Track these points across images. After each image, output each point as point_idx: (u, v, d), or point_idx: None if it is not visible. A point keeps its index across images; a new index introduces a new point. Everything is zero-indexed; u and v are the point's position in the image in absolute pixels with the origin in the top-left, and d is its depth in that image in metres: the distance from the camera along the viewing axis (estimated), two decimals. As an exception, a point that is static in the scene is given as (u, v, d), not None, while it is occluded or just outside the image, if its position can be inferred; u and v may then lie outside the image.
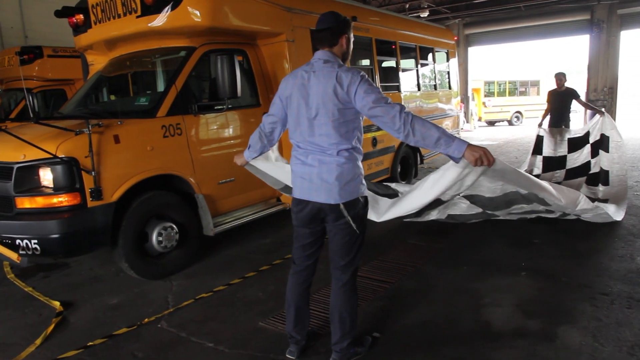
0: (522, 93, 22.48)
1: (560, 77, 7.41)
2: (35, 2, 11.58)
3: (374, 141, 6.23)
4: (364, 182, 2.37)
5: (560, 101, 7.51)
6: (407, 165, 7.25)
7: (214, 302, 3.51)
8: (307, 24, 5.19)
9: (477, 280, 3.64)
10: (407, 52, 7.30)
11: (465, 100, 19.76)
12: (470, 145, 2.09)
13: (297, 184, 2.39)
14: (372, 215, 3.18)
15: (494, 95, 21.75)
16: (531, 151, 7.08)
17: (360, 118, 2.30)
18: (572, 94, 7.46)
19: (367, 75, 2.23)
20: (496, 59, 30.45)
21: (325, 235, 2.49)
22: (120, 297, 3.69)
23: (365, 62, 6.48)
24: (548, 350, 2.65)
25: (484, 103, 21.35)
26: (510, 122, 21.56)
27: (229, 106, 4.36)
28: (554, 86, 7.76)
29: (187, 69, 4.23)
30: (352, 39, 2.41)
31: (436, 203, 3.62)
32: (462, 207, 3.82)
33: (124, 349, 2.88)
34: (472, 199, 3.79)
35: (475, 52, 20.44)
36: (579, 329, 2.86)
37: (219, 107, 4.34)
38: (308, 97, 2.27)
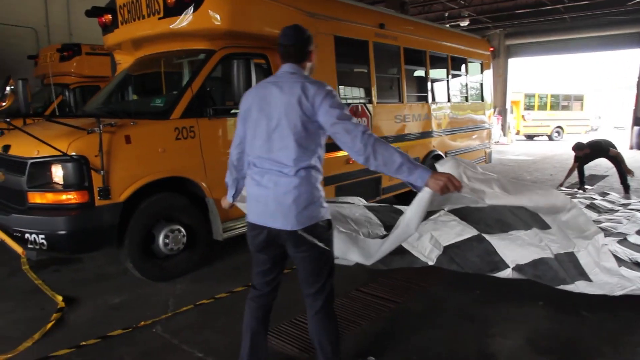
0: (565, 107, 21.63)
1: (581, 150, 7.34)
2: (80, 1, 12.00)
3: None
4: (324, 204, 2.17)
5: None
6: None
7: (214, 310, 3.45)
8: (331, 30, 5.12)
9: (488, 306, 3.43)
10: (437, 62, 7.09)
11: (503, 112, 19.21)
12: (434, 174, 1.99)
13: (251, 208, 2.21)
14: (358, 258, 2.99)
15: (534, 109, 21.02)
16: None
17: (323, 136, 2.14)
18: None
19: (334, 91, 2.11)
20: (537, 71, 29.51)
21: (287, 259, 2.33)
22: (123, 297, 3.69)
23: (392, 71, 6.32)
24: (555, 392, 2.44)
25: (523, 116, 20.67)
26: (550, 137, 20.81)
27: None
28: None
29: (204, 71, 4.22)
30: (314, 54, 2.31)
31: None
32: (455, 230, 3.24)
33: (115, 351, 2.86)
34: (459, 213, 3.33)
35: (516, 64, 19.86)
36: (594, 371, 2.63)
37: (235, 111, 4.30)
38: (269, 108, 2.11)
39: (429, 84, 6.84)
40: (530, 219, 3.14)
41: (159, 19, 4.36)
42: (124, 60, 5.44)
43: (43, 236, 3.46)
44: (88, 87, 8.88)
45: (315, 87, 2.06)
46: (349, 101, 5.53)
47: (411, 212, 2.45)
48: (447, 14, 16.58)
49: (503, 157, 13.82)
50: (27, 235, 3.52)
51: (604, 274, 3.03)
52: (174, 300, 3.61)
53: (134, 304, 3.56)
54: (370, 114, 5.50)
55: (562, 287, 3.06)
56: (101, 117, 3.69)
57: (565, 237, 3.09)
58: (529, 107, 21.02)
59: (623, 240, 4.33)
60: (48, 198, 3.54)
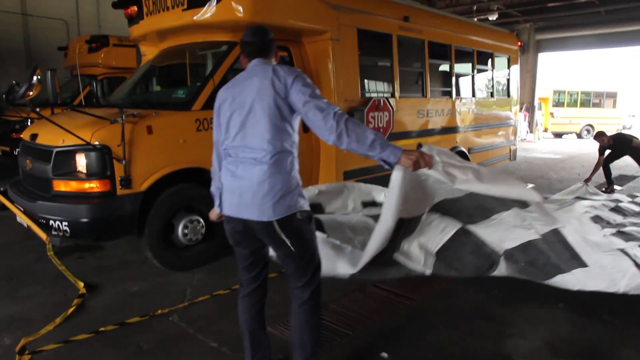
0: (596, 105, 20.94)
1: (601, 138, 7.30)
2: (109, -7, 12.22)
3: (419, 147, 5.97)
4: (303, 194, 2.12)
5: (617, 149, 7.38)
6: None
7: (229, 301, 3.46)
8: (355, 23, 5.06)
9: (506, 306, 3.36)
10: (463, 56, 6.96)
11: (530, 109, 18.76)
12: (406, 150, 2.03)
13: (227, 200, 2.14)
14: (345, 269, 2.78)
15: (564, 106, 20.44)
16: None
17: (296, 120, 2.11)
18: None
19: (306, 75, 2.11)
20: (568, 67, 28.66)
21: (268, 252, 2.32)
22: (142, 285, 3.76)
23: (416, 65, 6.23)
24: (572, 398, 2.38)
25: (551, 113, 20.14)
26: (579, 135, 20.21)
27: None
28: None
29: (226, 63, 4.24)
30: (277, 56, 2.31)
31: (405, 230, 2.92)
32: (439, 228, 2.94)
33: (132, 338, 2.92)
34: (439, 208, 3.05)
35: (546, 59, 19.34)
36: (613, 376, 2.56)
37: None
38: (242, 96, 2.09)
39: (454, 78, 6.72)
40: (508, 200, 3.02)
41: (183, 10, 4.39)
42: (149, 52, 5.51)
43: (66, 223, 3.55)
44: (115, 78, 9.04)
45: (286, 69, 2.07)
46: (372, 95, 5.47)
47: (389, 198, 2.43)
48: (475, 8, 16.24)
49: (529, 154, 13.51)
50: (51, 222, 3.61)
51: (595, 252, 2.84)
52: (191, 290, 3.66)
53: (152, 292, 3.62)
54: (393, 108, 5.44)
55: (560, 280, 2.77)
56: (124, 107, 3.76)
57: (546, 213, 3.01)
58: (558, 104, 20.45)
59: None
60: (72, 186, 3.62)
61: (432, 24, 6.27)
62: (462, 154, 6.85)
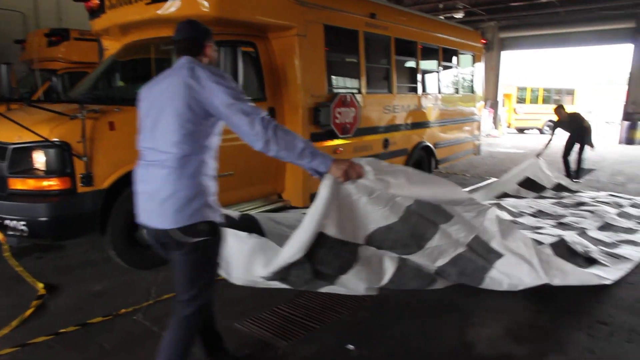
0: (557, 101, 21.67)
1: (560, 111, 8.15)
2: (70, -15, 11.82)
3: (386, 143, 6.06)
4: (211, 204, 1.97)
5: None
6: (421, 169, 7.04)
7: (196, 298, 3.44)
8: (321, 19, 5.07)
9: (470, 296, 3.44)
10: (429, 53, 7.07)
11: (494, 105, 19.23)
12: (336, 159, 1.99)
13: (138, 205, 2.01)
14: (259, 271, 2.69)
15: (526, 102, 21.07)
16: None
17: (215, 126, 1.97)
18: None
19: (230, 76, 2.00)
20: (531, 65, 29.56)
21: None
22: (105, 284, 3.68)
23: (383, 61, 6.29)
24: (530, 382, 2.48)
25: (514, 109, 20.73)
26: (541, 131, 20.88)
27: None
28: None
29: (191, 58, 4.17)
30: (215, 48, 2.18)
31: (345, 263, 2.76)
32: (380, 267, 2.90)
33: (94, 339, 2.85)
34: (374, 241, 2.89)
35: (509, 57, 19.86)
36: (568, 360, 2.67)
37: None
38: (157, 93, 1.98)
39: (420, 75, 6.82)
40: (435, 215, 3.01)
41: (146, 4, 4.31)
42: (112, 46, 5.38)
43: (24, 223, 3.43)
44: (76, 73, 8.75)
45: (208, 70, 1.93)
46: (338, 91, 5.50)
47: (314, 205, 2.37)
48: (441, 6, 16.50)
49: (493, 149, 13.87)
50: (7, 221, 3.48)
51: (506, 240, 3.15)
52: (156, 288, 3.60)
53: (115, 292, 3.55)
54: (359, 104, 5.48)
55: (490, 281, 3.12)
56: (85, 103, 3.65)
57: (466, 222, 3.11)
58: (521, 101, 21.07)
59: (582, 234, 4.62)
60: (29, 184, 3.50)
61: (398, 21, 6.34)
62: (427, 149, 6.98)
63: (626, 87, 16.24)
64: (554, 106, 8.62)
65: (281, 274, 2.60)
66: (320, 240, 2.52)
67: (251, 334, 2.89)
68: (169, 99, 1.91)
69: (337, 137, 5.24)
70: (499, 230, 3.15)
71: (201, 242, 1.95)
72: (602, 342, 2.86)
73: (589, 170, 9.67)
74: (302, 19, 4.83)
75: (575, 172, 8.11)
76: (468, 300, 3.39)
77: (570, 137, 8.16)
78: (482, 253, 3.11)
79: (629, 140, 15.82)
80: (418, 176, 2.75)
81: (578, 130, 7.96)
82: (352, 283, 2.76)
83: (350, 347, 2.76)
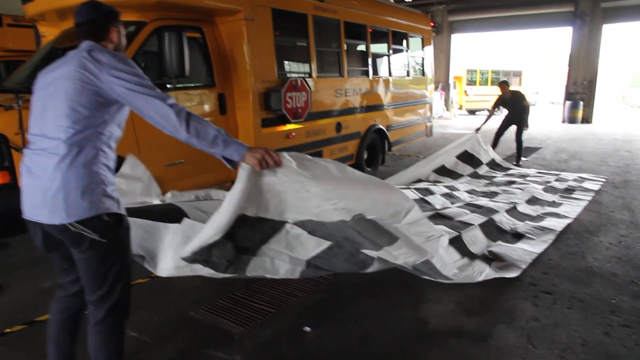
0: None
1: (504, 86, 8.33)
2: (1, -33, 11.06)
3: (339, 126, 6.10)
4: (111, 194, 1.82)
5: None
6: (374, 152, 7.14)
7: (149, 289, 3.38)
8: (269, 3, 4.99)
9: (422, 274, 3.57)
10: (379, 37, 7.12)
11: (445, 88, 19.68)
12: (251, 148, 1.93)
13: (23, 200, 1.84)
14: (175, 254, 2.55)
15: (476, 84, 21.70)
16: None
17: (116, 113, 1.86)
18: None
19: (132, 61, 1.85)
20: (480, 48, 30.39)
21: None
22: (53, 281, 3.48)
23: (333, 45, 6.29)
24: (479, 351, 2.59)
25: (465, 92, 21.31)
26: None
27: (177, 85, 4.17)
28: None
29: (134, 45, 4.01)
30: (123, 33, 2.01)
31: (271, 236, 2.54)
32: (310, 242, 2.59)
33: (43, 337, 2.73)
34: (306, 226, 2.58)
35: (459, 40, 20.31)
36: (515, 329, 2.81)
37: (170, 86, 4.15)
38: (52, 79, 1.83)
39: (370, 58, 6.87)
40: (376, 236, 2.63)
41: (83, -13, 4.09)
42: (49, 32, 5.10)
43: (-40, 220, 3.24)
44: (12, 61, 8.27)
45: (109, 54, 1.80)
46: (289, 75, 5.46)
47: (232, 192, 2.24)
48: (391, -11, 16.61)
49: (445, 131, 14.23)
50: (-59, 219, 3.28)
51: (460, 270, 3.28)
52: (109, 282, 3.50)
53: (65, 288, 3.42)
54: (310, 88, 5.47)
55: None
56: (21, 92, 3.46)
57: (415, 247, 2.79)
58: (471, 83, 21.69)
59: (512, 210, 4.93)
60: (-37, 180, 3.30)
61: (347, 4, 6.33)
62: (380, 132, 7.08)
63: (567, 69, 16.99)
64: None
65: (202, 254, 2.39)
66: (241, 223, 2.37)
67: (207, 322, 2.88)
68: (61, 83, 1.77)
69: (289, 122, 5.22)
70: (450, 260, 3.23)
71: (104, 236, 1.80)
72: (545, 310, 3.04)
73: (535, 149, 10.12)
74: (249, 2, 4.74)
75: (517, 153, 8.31)
76: (421, 279, 3.48)
77: (508, 115, 8.38)
78: (427, 271, 2.99)
79: (572, 120, 16.64)
80: (343, 170, 2.55)
81: (517, 107, 8.19)
82: (274, 252, 2.55)
83: (307, 329, 2.80)
